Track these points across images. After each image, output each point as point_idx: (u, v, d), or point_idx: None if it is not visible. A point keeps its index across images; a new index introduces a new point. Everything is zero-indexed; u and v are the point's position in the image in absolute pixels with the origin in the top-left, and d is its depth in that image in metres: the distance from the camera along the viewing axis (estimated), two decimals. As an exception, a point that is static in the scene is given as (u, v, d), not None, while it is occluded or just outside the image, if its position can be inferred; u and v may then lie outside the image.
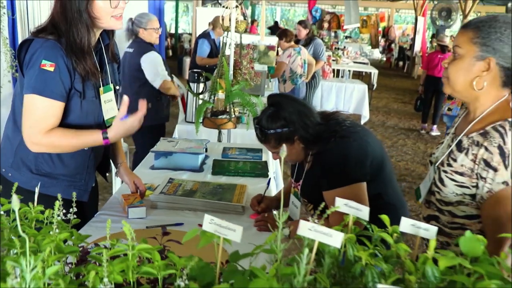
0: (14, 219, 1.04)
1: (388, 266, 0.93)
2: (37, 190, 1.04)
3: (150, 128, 3.49)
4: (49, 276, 0.82)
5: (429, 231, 1.02)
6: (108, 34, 1.94)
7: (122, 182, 2.27)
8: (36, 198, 1.01)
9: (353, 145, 1.77)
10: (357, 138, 1.79)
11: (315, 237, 0.90)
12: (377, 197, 1.78)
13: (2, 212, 1.01)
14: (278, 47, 6.02)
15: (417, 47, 16.02)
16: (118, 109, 1.89)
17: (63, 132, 1.76)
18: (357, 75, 11.33)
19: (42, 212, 1.04)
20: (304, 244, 0.89)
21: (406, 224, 1.03)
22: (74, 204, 1.11)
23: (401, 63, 19.43)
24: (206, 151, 2.84)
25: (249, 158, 2.80)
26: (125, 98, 1.81)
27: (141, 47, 3.94)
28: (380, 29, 20.13)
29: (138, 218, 1.93)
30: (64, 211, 1.02)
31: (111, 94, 1.93)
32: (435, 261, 0.91)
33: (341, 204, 1.08)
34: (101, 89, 1.88)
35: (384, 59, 20.74)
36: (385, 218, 1.07)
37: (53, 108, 1.73)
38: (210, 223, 0.97)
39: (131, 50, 3.98)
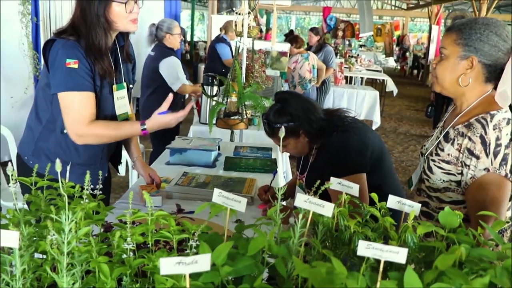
0: (47, 196, 1.19)
1: (373, 234, 1.07)
2: (68, 168, 1.19)
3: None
4: (80, 236, 0.96)
5: (413, 207, 1.15)
6: (123, 36, 2.10)
7: (138, 176, 2.43)
8: (70, 171, 1.16)
9: (354, 139, 1.91)
10: (358, 132, 1.93)
11: (309, 207, 1.04)
12: (377, 188, 1.90)
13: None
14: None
15: (432, 56, 16.05)
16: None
17: (105, 124, 1.94)
18: (371, 83, 11.42)
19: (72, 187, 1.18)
20: (300, 213, 1.02)
21: (393, 201, 1.17)
22: (100, 182, 1.27)
23: (415, 71, 19.44)
24: (219, 149, 2.99)
25: (259, 156, 2.94)
26: (170, 96, 2.01)
27: (162, 52, 4.16)
28: (394, 37, 20.19)
29: (154, 206, 2.08)
30: (92, 186, 1.18)
31: (123, 92, 2.09)
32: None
33: (335, 183, 1.21)
34: (114, 86, 2.04)
35: (399, 67, 20.78)
36: (374, 195, 1.21)
37: (87, 99, 1.88)
38: (218, 195, 1.11)
39: (152, 53, 4.22)
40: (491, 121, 1.47)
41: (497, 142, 1.44)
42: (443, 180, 1.58)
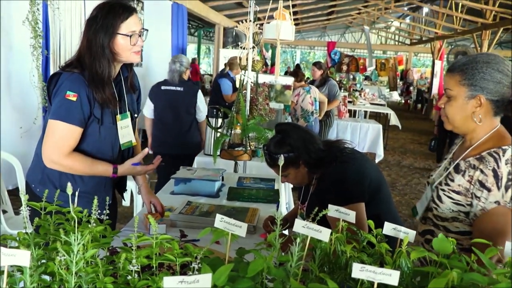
0: (56, 220, 1.24)
1: (368, 259, 1.11)
2: (76, 193, 1.24)
3: (185, 156, 4.32)
4: (87, 258, 1.01)
5: (409, 234, 1.19)
6: (127, 67, 2.19)
7: (143, 205, 2.47)
8: (76, 199, 1.21)
9: (352, 169, 1.96)
10: (356, 162, 1.99)
11: (307, 233, 1.09)
12: (376, 217, 1.94)
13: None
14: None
15: (435, 90, 16.19)
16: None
17: (81, 159, 2.00)
18: (374, 117, 11.50)
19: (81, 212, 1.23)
20: (299, 239, 1.07)
21: (388, 228, 1.21)
22: (107, 207, 1.32)
23: (419, 105, 19.56)
24: (222, 179, 3.03)
25: (262, 187, 2.98)
26: (145, 150, 2.12)
27: (191, 86, 4.60)
28: (398, 72, 20.41)
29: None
30: (99, 210, 1.22)
31: (127, 121, 2.16)
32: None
33: (332, 210, 1.26)
34: (118, 116, 2.11)
35: (403, 101, 20.93)
36: (370, 223, 1.25)
37: (72, 132, 1.96)
38: (220, 221, 1.16)
39: (179, 89, 4.50)
40: (503, 156, 1.51)
41: (509, 177, 1.49)
42: (452, 210, 1.61)
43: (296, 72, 6.44)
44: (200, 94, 4.57)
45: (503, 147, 1.53)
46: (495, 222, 1.49)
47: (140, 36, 2.02)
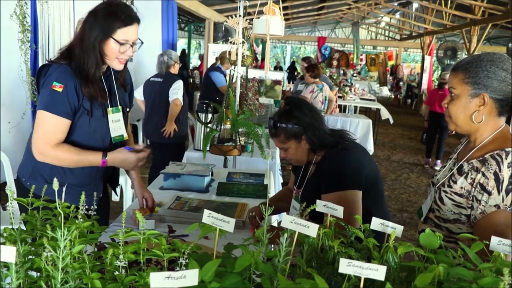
0: (43, 216, 1.23)
1: (356, 254, 1.11)
2: (64, 188, 1.23)
3: (170, 145, 4.60)
4: (74, 253, 1.00)
5: (396, 229, 1.20)
6: None
7: (133, 199, 2.47)
8: (65, 192, 1.20)
9: (352, 157, 2.00)
10: (356, 152, 2.03)
11: (295, 228, 1.09)
12: (367, 212, 1.96)
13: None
14: (283, 81, 6.25)
15: (425, 85, 16.27)
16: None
17: (69, 148, 1.99)
18: (365, 112, 11.55)
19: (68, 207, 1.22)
20: (287, 234, 1.07)
21: (376, 223, 1.21)
22: (95, 202, 1.31)
23: (409, 100, 19.66)
24: (212, 174, 3.03)
25: (252, 182, 2.98)
26: (140, 145, 2.15)
27: (171, 78, 4.80)
28: (388, 67, 20.48)
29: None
30: (86, 206, 1.22)
31: (119, 115, 2.16)
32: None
33: (321, 205, 1.26)
34: (109, 109, 2.11)
35: (392, 96, 21.01)
36: (358, 218, 1.26)
37: (59, 124, 1.96)
38: (208, 216, 1.15)
39: (160, 79, 4.81)
40: (506, 159, 1.49)
41: (510, 180, 1.47)
42: (454, 212, 1.60)
43: (312, 67, 6.12)
44: (178, 83, 4.73)
45: (507, 150, 1.51)
46: (494, 225, 1.47)
47: (132, 46, 2.02)
